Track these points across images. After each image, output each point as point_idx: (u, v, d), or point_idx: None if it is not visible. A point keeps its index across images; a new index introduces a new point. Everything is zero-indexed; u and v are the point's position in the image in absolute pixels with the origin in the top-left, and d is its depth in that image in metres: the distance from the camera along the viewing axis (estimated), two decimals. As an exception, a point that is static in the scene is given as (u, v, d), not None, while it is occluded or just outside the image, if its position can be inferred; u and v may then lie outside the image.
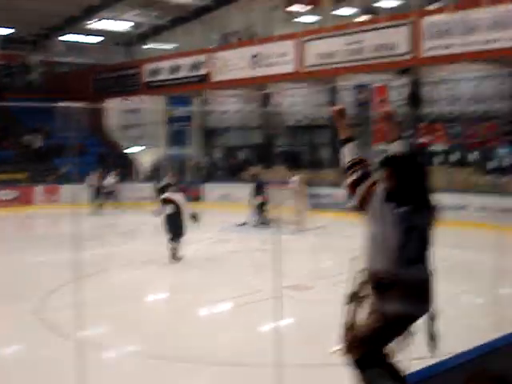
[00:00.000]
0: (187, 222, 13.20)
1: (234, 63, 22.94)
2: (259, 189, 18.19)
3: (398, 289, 3.43)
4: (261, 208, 18.03)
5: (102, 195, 22.29)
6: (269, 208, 17.98)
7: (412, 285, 3.49)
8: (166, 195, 13.63)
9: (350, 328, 3.61)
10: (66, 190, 23.06)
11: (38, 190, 24.17)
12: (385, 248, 3.49)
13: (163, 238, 15.87)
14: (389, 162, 3.62)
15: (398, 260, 3.46)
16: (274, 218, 17.30)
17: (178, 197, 13.51)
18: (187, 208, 13.40)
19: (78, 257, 5.26)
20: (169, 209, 13.21)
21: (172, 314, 9.18)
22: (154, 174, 26.66)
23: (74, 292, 5.27)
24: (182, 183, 24.91)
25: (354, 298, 3.62)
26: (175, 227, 13.05)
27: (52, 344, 7.68)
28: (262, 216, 17.92)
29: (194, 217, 13.35)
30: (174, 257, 13.15)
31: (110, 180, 22.82)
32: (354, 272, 3.50)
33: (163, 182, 19.06)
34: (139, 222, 18.70)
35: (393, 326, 3.52)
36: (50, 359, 7.10)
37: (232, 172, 25.40)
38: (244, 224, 18.35)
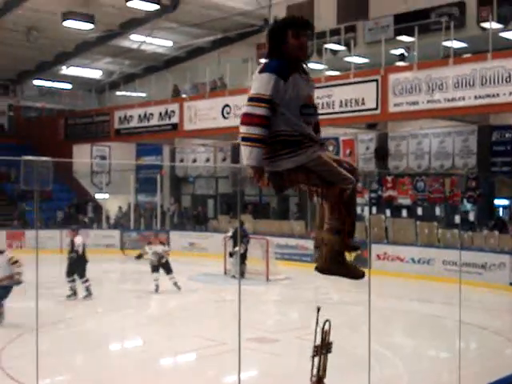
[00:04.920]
0: None
1: (205, 113, 23.11)
2: (243, 237, 16.89)
3: None
4: (244, 258, 16.71)
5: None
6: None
7: None
8: None
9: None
10: (30, 235, 22.64)
11: (2, 234, 23.59)
12: None
13: (128, 285, 15.59)
14: None
15: None
16: (250, 269, 17.01)
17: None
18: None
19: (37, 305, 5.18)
20: None
21: (134, 366, 8.97)
22: (123, 220, 26.43)
23: (35, 341, 5.17)
24: (150, 231, 24.81)
25: (322, 348, 3.53)
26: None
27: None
28: (243, 266, 16.58)
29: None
30: None
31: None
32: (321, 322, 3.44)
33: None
34: (104, 269, 18.35)
35: None
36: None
37: (199, 221, 25.32)
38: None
